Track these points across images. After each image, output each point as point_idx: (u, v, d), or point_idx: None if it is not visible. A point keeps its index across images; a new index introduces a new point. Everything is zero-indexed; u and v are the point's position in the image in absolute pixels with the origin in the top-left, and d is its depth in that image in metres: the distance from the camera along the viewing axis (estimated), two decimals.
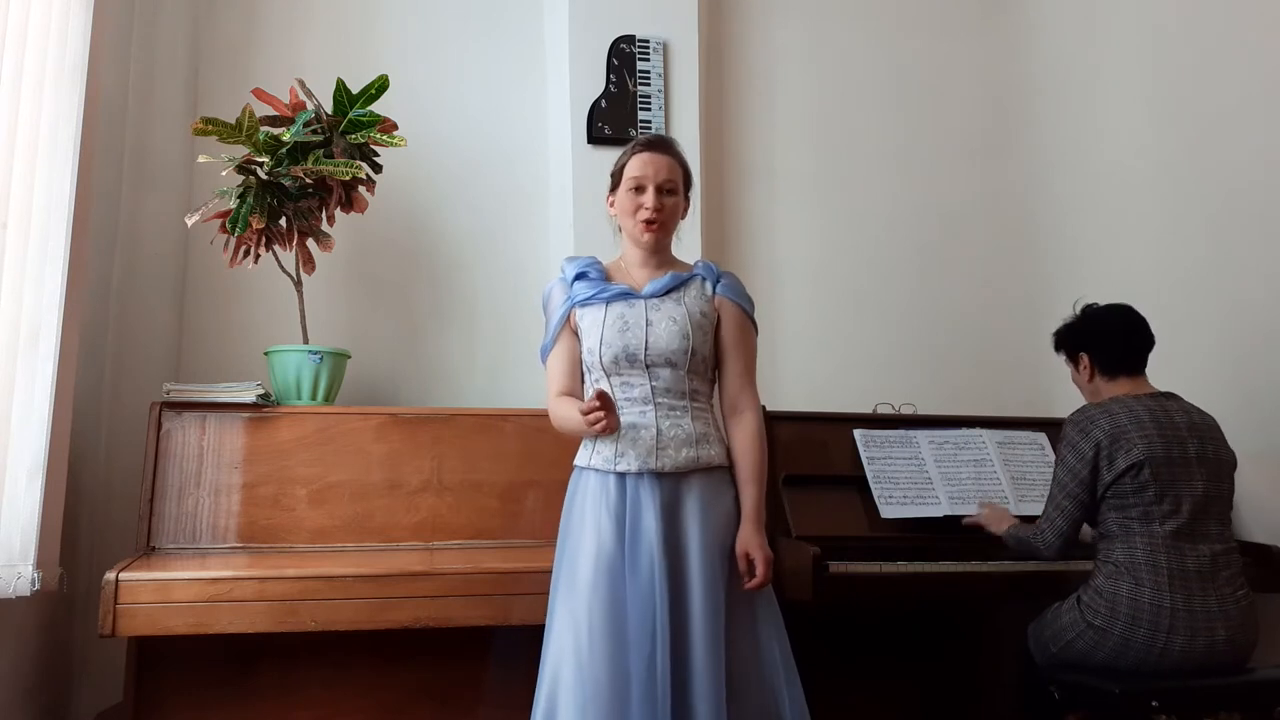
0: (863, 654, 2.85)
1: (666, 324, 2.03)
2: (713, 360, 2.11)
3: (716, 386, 2.15)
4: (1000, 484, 2.81)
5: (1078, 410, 2.43)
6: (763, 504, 2.06)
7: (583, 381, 2.13)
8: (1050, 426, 2.98)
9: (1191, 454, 2.31)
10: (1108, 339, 2.47)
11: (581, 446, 2.08)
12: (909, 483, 2.78)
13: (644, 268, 2.12)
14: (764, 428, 2.11)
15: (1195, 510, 2.28)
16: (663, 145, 2.13)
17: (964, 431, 2.93)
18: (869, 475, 2.77)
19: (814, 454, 2.83)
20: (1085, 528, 2.39)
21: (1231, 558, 2.31)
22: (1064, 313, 2.89)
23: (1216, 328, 3.02)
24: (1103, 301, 2.57)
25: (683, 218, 2.16)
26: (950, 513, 2.72)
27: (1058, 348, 2.59)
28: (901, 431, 2.89)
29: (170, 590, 2.05)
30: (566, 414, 2.02)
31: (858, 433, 2.86)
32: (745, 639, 1.97)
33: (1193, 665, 2.21)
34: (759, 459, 2.07)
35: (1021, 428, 3.00)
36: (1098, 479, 2.32)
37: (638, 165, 2.08)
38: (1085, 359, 2.50)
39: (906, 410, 3.04)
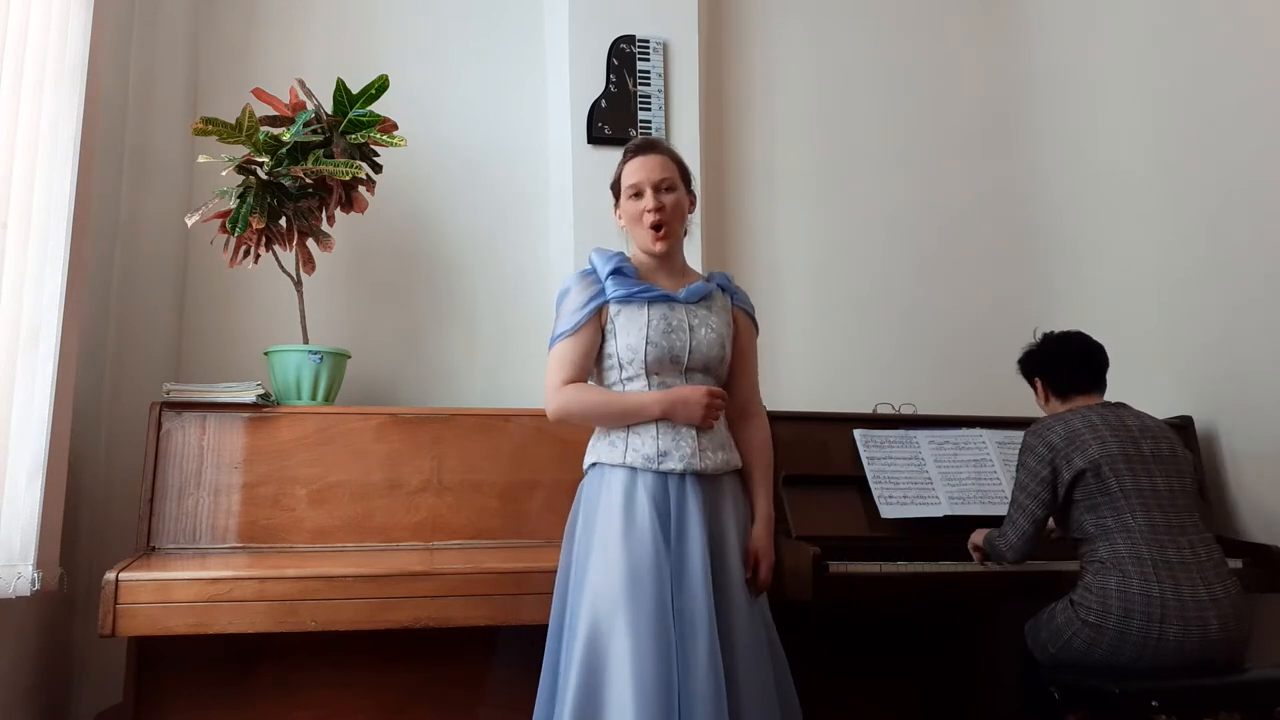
0: (863, 654, 2.85)
1: (706, 331, 2.06)
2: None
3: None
4: (1000, 484, 2.81)
5: (1036, 421, 2.51)
6: (772, 506, 2.11)
7: (598, 379, 2.09)
8: None
9: (1147, 452, 2.37)
10: (1056, 365, 2.57)
11: (608, 444, 2.03)
12: (909, 483, 2.78)
13: (659, 272, 2.12)
14: (769, 432, 2.18)
15: (1163, 504, 2.32)
16: (652, 146, 2.14)
17: (964, 431, 2.93)
18: (869, 475, 2.77)
19: (814, 454, 2.83)
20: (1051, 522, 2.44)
21: (1211, 549, 2.33)
22: (1064, 311, 2.90)
23: (1217, 327, 3.02)
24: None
25: (690, 212, 2.16)
26: (950, 513, 2.72)
27: (1022, 374, 2.67)
28: (901, 431, 2.90)
29: (170, 590, 2.05)
30: (604, 398, 2.04)
31: (858, 433, 2.86)
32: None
33: (1189, 657, 2.22)
34: (770, 462, 2.15)
35: (1021, 428, 2.95)
36: (1057, 478, 2.37)
37: (631, 171, 2.10)
38: (1039, 383, 2.61)
39: (906, 410, 3.04)
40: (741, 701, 1.87)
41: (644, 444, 1.98)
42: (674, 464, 1.97)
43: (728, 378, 2.14)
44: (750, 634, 1.94)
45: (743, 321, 2.18)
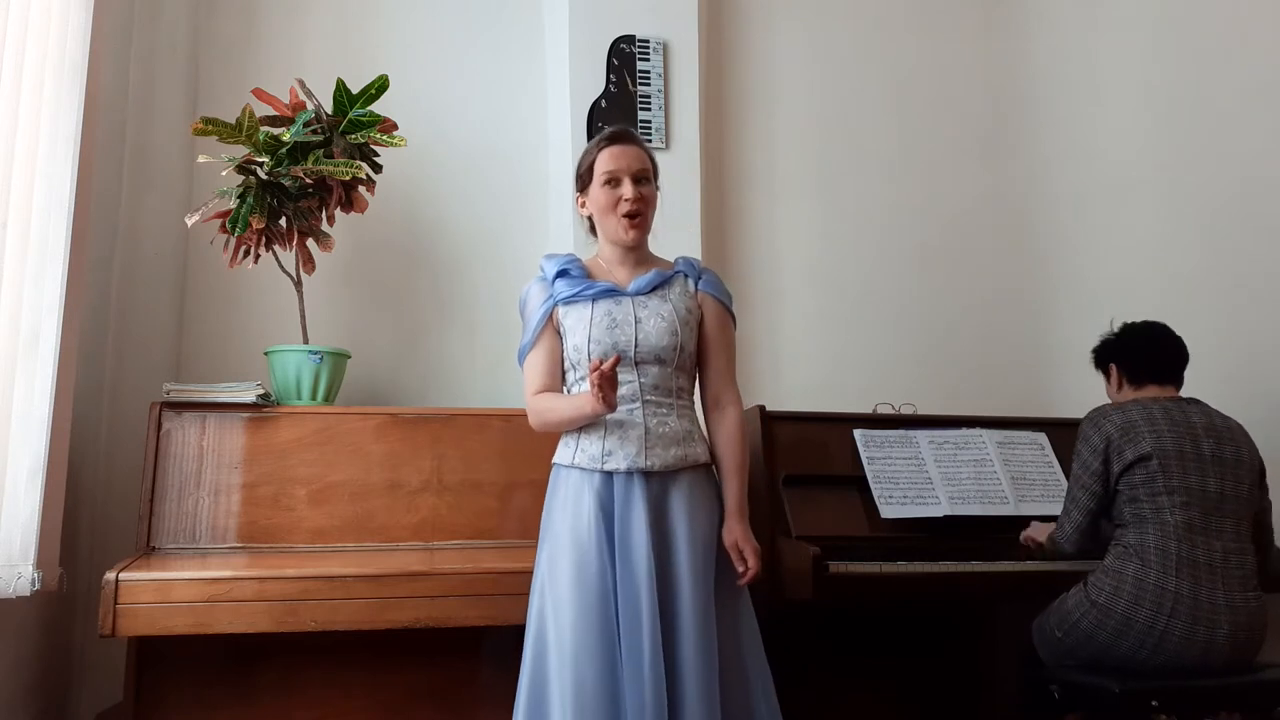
0: (863, 654, 2.85)
1: (655, 321, 2.02)
2: (695, 357, 2.11)
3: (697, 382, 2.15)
4: (1000, 484, 2.81)
5: (1093, 409, 2.49)
6: (746, 497, 2.07)
7: (563, 381, 2.11)
8: (1050, 426, 2.98)
9: (1206, 452, 2.35)
10: (1134, 349, 2.55)
11: (562, 445, 2.06)
12: (909, 483, 2.78)
13: (624, 265, 2.10)
14: (744, 422, 2.13)
15: (1208, 506, 2.31)
16: (629, 137, 2.11)
17: (964, 431, 2.93)
18: (869, 475, 2.77)
19: (814, 454, 2.83)
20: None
21: (1245, 559, 2.32)
22: (1064, 312, 2.89)
23: (1217, 327, 3.02)
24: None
25: (653, 208, 2.14)
26: (950, 513, 2.72)
27: (1095, 364, 2.65)
28: (901, 431, 2.89)
29: (170, 590, 2.05)
30: (551, 405, 2.04)
31: (858, 433, 2.86)
32: (728, 638, 1.97)
33: (1191, 658, 2.22)
34: (742, 453, 2.09)
35: (1021, 428, 2.99)
36: (1109, 470, 2.37)
37: (609, 159, 2.06)
38: (1114, 369, 2.58)
39: (906, 410, 3.04)
40: (684, 698, 1.85)
41: (591, 444, 1.99)
42: (618, 463, 1.96)
43: (698, 367, 2.12)
44: (700, 631, 1.90)
45: (711, 307, 2.12)
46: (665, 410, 2.02)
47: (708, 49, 3.39)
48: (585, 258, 2.16)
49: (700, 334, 2.10)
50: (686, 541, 1.96)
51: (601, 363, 1.86)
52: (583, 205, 2.14)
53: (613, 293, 2.05)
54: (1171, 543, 2.27)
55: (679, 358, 2.04)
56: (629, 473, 1.96)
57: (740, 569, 2.00)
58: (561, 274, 2.08)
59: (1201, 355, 3.02)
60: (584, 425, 2.00)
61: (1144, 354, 2.53)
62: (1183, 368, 2.53)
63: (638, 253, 2.12)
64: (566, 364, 2.08)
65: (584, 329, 2.02)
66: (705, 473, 2.07)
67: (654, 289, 2.07)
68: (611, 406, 1.90)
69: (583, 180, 2.12)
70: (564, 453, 2.04)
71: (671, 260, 2.17)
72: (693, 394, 2.12)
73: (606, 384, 1.86)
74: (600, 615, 1.87)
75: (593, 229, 2.16)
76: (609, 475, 1.97)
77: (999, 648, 2.87)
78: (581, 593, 1.89)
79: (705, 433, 2.12)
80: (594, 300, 2.04)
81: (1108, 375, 2.61)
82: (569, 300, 2.05)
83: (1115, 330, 2.62)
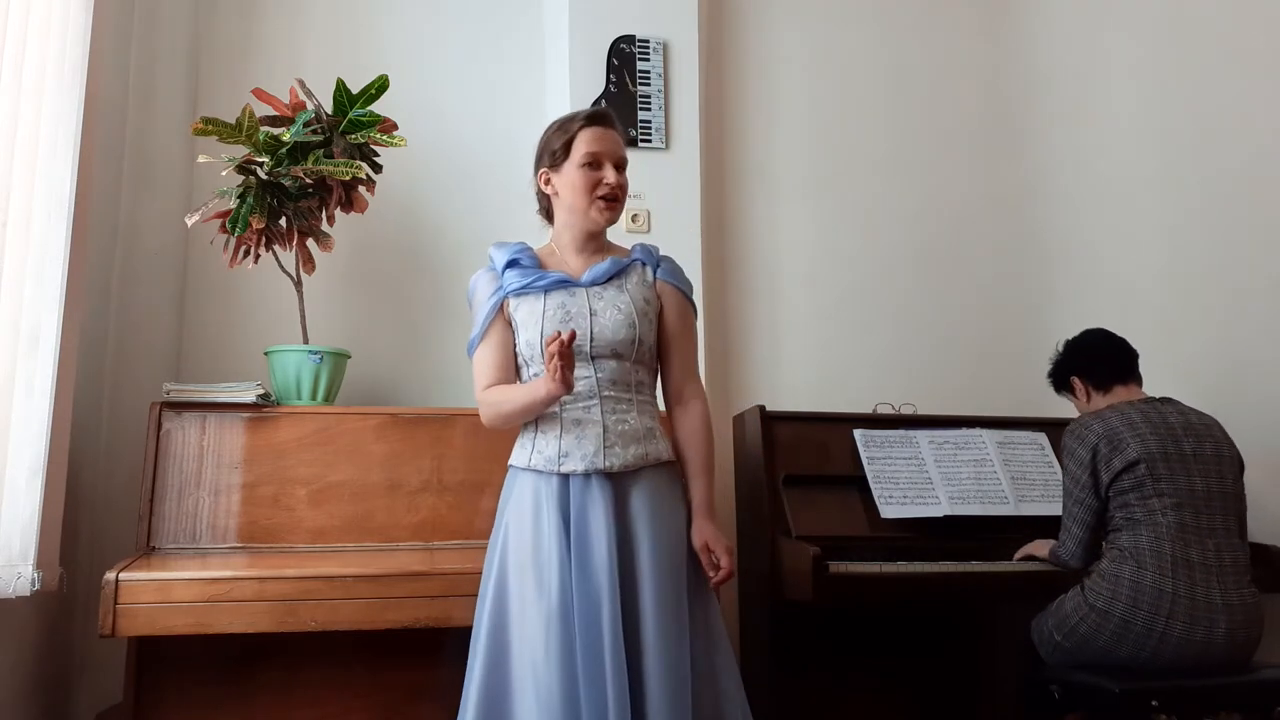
0: (863, 654, 2.85)
1: (611, 313, 1.93)
2: (656, 349, 2.01)
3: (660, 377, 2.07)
4: (1000, 484, 2.81)
5: (1074, 420, 2.53)
6: (713, 495, 1.98)
7: (518, 378, 2.02)
8: (1050, 426, 2.98)
9: (1188, 451, 2.38)
10: (1090, 359, 2.62)
11: (518, 446, 1.97)
12: (909, 483, 2.78)
13: (580, 253, 2.02)
14: (709, 417, 2.03)
15: (1198, 504, 2.33)
16: (612, 120, 2.03)
17: (964, 431, 2.93)
18: (869, 475, 2.77)
19: (814, 454, 2.83)
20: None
21: (1237, 555, 2.34)
22: (1064, 312, 2.89)
23: (1217, 328, 3.02)
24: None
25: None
26: (950, 513, 2.72)
27: (1056, 387, 2.72)
28: (901, 431, 2.90)
29: (170, 590, 2.05)
30: (504, 396, 1.95)
31: (858, 433, 2.86)
32: (697, 639, 1.88)
33: (1190, 657, 2.23)
34: (709, 449, 2.00)
35: (1021, 428, 3.00)
36: (1098, 480, 2.39)
37: (593, 140, 1.97)
38: (1077, 382, 2.64)
39: (906, 410, 3.04)
40: (650, 702, 1.77)
41: (547, 445, 1.90)
42: (575, 465, 1.87)
43: (659, 360, 2.03)
44: (667, 634, 1.81)
45: (671, 297, 2.02)
46: (624, 407, 1.92)
47: (708, 49, 3.39)
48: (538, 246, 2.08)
49: (660, 326, 2.00)
50: (650, 543, 1.86)
51: (557, 337, 1.75)
52: (547, 182, 2.02)
53: (566, 283, 1.95)
54: (1165, 544, 2.28)
55: (637, 351, 1.94)
56: (587, 474, 1.86)
57: (712, 571, 1.91)
58: (511, 264, 1.98)
59: (1202, 355, 3.04)
60: (540, 424, 1.92)
61: (1101, 360, 2.60)
62: (1136, 362, 2.59)
63: (597, 240, 2.03)
64: (520, 360, 1.99)
65: (536, 323, 1.92)
66: (669, 471, 1.96)
67: (610, 279, 1.97)
68: (569, 387, 1.80)
69: (555, 157, 2.00)
70: (519, 455, 1.95)
71: (628, 248, 2.08)
72: (654, 389, 2.03)
73: (565, 362, 1.76)
74: (564, 627, 1.79)
75: (548, 212, 2.07)
76: (565, 478, 1.88)
77: (999, 648, 2.87)
78: (543, 606, 1.81)
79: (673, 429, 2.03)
80: (546, 292, 1.94)
81: (1072, 391, 2.67)
82: (519, 292, 1.95)
83: (1061, 349, 2.69)
